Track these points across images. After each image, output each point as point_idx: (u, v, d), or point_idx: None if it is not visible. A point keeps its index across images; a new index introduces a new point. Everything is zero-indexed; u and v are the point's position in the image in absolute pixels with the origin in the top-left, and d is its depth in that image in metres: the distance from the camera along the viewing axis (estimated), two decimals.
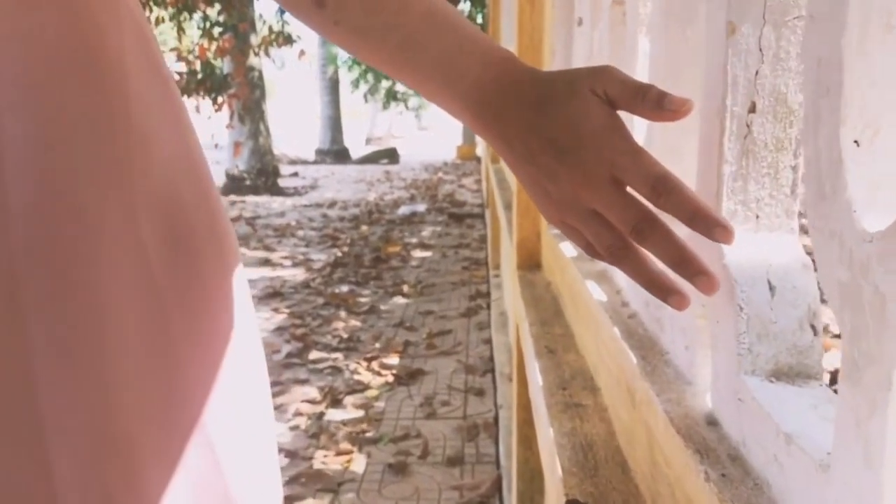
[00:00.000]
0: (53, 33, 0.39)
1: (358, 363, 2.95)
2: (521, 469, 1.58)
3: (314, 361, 3.00)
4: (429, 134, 25.00)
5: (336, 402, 2.59)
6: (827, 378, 0.48)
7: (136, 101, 0.42)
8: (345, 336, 3.32)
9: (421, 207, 7.36)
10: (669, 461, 0.52)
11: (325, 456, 2.22)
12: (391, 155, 13.86)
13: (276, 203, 7.95)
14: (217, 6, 7.32)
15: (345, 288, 4.20)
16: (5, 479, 0.36)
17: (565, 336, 1.02)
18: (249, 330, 0.49)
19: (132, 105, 0.42)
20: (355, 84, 16.55)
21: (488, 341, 3.21)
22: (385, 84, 16.51)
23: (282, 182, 9.38)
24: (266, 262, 4.92)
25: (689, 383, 0.57)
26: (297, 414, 2.51)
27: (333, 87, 13.84)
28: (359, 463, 2.17)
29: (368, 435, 2.34)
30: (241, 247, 3.95)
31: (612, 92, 0.44)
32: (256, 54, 7.96)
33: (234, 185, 8.63)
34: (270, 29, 7.63)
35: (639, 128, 0.76)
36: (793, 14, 0.47)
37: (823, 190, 0.36)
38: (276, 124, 21.74)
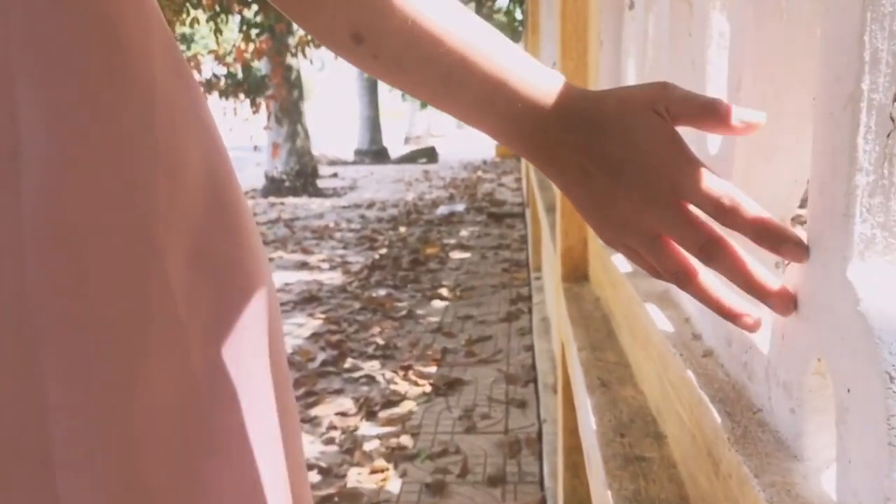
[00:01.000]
0: (78, 41, 0.38)
1: (394, 372, 2.84)
2: (567, 498, 1.45)
3: (349, 370, 2.90)
4: (468, 132, 24.87)
5: (371, 415, 2.49)
6: None
7: (162, 117, 0.41)
8: (381, 343, 3.22)
9: (460, 207, 7.24)
10: None
11: (360, 474, 2.11)
12: (430, 154, 13.77)
13: (315, 204, 7.91)
14: (254, 7, 7.30)
15: (382, 291, 4.11)
16: None
17: (620, 365, 0.89)
18: (277, 362, 0.49)
19: (158, 128, 0.41)
20: None
21: (530, 348, 3.07)
22: None
23: (321, 183, 9.35)
24: (303, 266, 4.85)
25: (798, 460, 0.43)
26: (332, 427, 2.42)
27: (371, 87, 13.80)
28: (394, 482, 2.06)
29: (405, 451, 2.23)
30: (278, 250, 3.88)
31: (676, 109, 0.43)
32: (293, 55, 7.92)
33: (274, 186, 8.62)
34: None
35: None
36: None
37: None
38: (316, 125, 21.85)
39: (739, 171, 0.55)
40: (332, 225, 6.48)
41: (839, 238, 0.37)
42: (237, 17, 7.29)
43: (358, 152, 13.99)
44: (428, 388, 2.68)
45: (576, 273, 1.31)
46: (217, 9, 6.73)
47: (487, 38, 0.46)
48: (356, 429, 2.39)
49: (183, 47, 9.51)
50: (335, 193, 8.82)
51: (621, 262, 0.99)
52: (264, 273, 0.49)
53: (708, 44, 0.64)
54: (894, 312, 0.34)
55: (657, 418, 0.74)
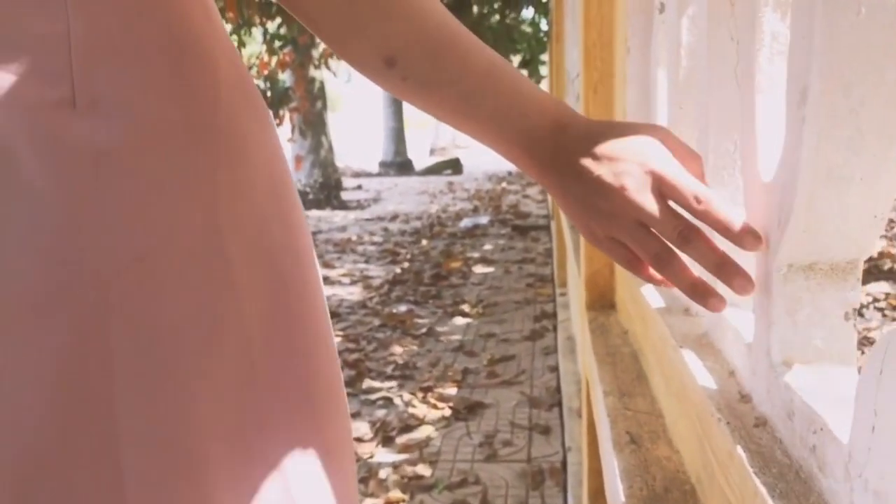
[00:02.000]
0: (155, 45, 0.43)
1: (413, 394, 2.74)
2: None
3: (366, 391, 2.81)
4: None
5: (388, 440, 2.39)
6: None
7: (226, 111, 0.46)
8: (400, 362, 3.12)
9: (484, 220, 7.14)
10: None
11: None
12: (454, 165, 13.69)
13: (339, 217, 7.86)
14: (278, 19, 7.29)
15: (403, 307, 4.01)
16: (77, 493, 0.39)
17: (652, 416, 0.78)
18: (330, 355, 0.52)
19: (221, 116, 0.45)
20: None
21: (555, 369, 2.95)
22: None
23: (345, 195, 9.31)
24: (324, 280, 4.75)
25: None
26: None
27: (396, 99, 13.74)
28: None
29: (422, 480, 2.13)
30: None
31: (668, 145, 0.51)
32: (317, 67, 7.90)
33: None
34: None
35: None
36: None
37: None
38: (342, 137, 21.91)
39: (803, 202, 0.45)
40: (354, 238, 6.41)
41: None
42: (260, 30, 7.29)
43: (383, 164, 13.96)
44: (447, 412, 2.57)
45: (602, 301, 1.20)
46: (240, 21, 6.73)
47: (503, 65, 0.52)
48: (371, 456, 2.30)
49: None
50: (359, 206, 8.77)
51: (652, 294, 0.89)
52: (313, 259, 0.53)
53: (758, 49, 0.53)
54: None
55: (697, 488, 0.63)
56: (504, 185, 10.72)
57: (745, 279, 0.48)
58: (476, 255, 5.50)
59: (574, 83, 3.29)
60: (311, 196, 8.59)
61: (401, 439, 2.39)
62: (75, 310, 0.39)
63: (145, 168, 0.41)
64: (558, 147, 0.52)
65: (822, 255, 0.47)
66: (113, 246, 0.40)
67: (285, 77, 7.94)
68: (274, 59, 7.32)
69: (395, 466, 2.21)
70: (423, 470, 2.18)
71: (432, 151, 19.11)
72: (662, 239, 0.49)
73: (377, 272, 4.98)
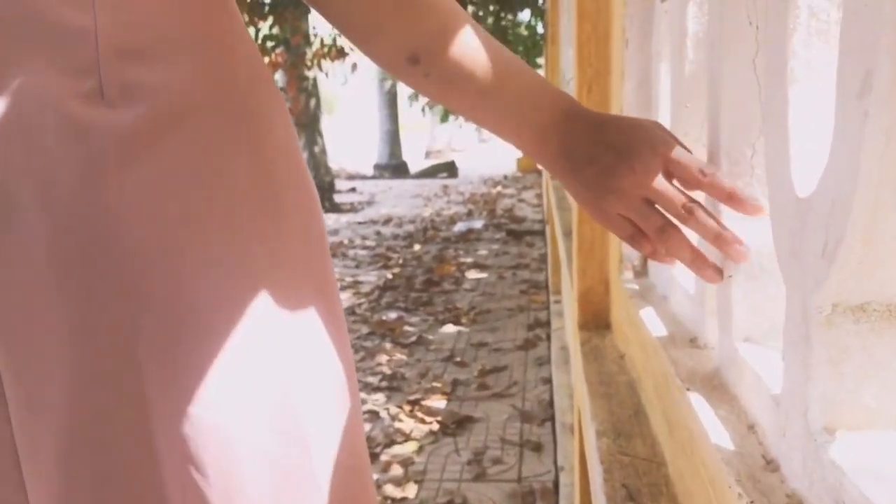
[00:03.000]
0: (178, 39, 0.45)
1: (400, 407, 2.63)
2: None
3: None
4: (489, 146, 24.68)
5: (372, 457, 2.27)
6: None
7: (246, 100, 0.48)
8: (388, 372, 3.01)
9: (478, 224, 7.03)
10: None
11: None
12: (450, 168, 13.58)
13: (331, 220, 7.73)
14: (270, 19, 7.18)
15: (393, 314, 3.90)
16: (115, 464, 0.41)
17: (652, 463, 0.67)
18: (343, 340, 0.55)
19: (242, 104, 0.48)
20: (413, 97, 16.39)
21: (548, 381, 2.84)
22: None
23: (338, 198, 9.19)
24: None
25: None
26: None
27: (391, 100, 13.67)
28: None
29: (405, 503, 2.01)
30: None
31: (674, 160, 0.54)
32: (309, 68, 7.79)
33: None
34: (322, 42, 7.44)
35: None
36: None
37: None
38: (338, 139, 21.78)
39: (859, 225, 0.34)
40: (345, 242, 6.30)
41: None
42: (252, 31, 7.18)
43: (377, 166, 13.84)
44: (435, 427, 2.46)
45: (595, 320, 1.10)
46: None
47: (513, 58, 0.55)
48: None
49: None
50: (352, 209, 8.65)
51: (652, 320, 0.78)
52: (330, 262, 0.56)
53: (791, 29, 0.43)
54: None
55: None
56: (499, 188, 10.61)
57: (741, 246, 0.51)
58: (469, 260, 5.39)
59: (570, 84, 3.19)
60: None
61: (385, 456, 2.27)
62: (99, 290, 0.41)
63: (165, 153, 0.42)
64: (569, 135, 0.55)
65: (878, 294, 0.37)
66: (134, 229, 0.41)
67: (278, 78, 7.83)
68: (266, 60, 7.20)
69: (379, 486, 2.10)
70: (408, 490, 2.06)
71: (428, 154, 19.00)
72: (666, 215, 0.53)
73: (368, 277, 4.87)
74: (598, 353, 0.99)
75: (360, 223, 7.45)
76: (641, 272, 0.96)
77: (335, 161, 14.24)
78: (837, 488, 0.35)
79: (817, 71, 0.41)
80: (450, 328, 3.64)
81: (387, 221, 7.50)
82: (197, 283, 0.43)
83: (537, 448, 2.31)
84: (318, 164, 8.67)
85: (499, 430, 2.44)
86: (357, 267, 5.26)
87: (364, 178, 13.26)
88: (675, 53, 0.77)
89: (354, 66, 7.61)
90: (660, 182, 0.52)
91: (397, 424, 2.50)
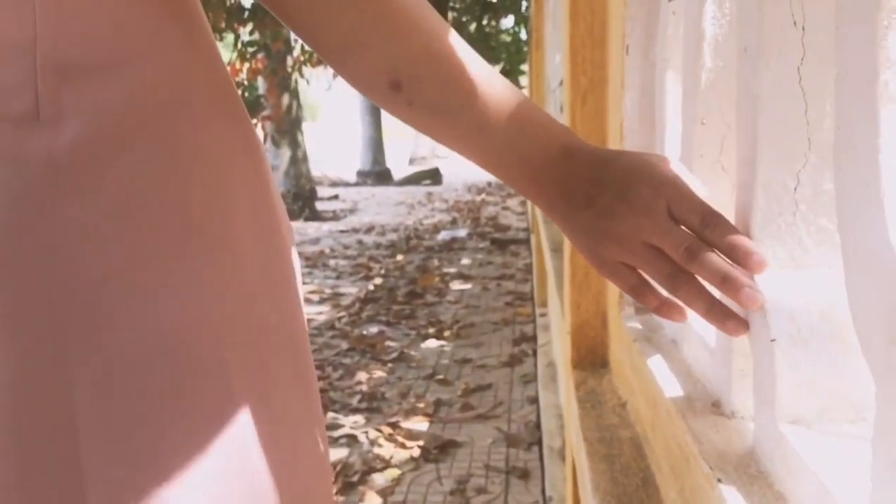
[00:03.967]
0: (125, 57, 0.40)
1: (379, 430, 2.50)
2: None
3: (329, 428, 2.56)
4: None
5: (349, 487, 2.14)
6: None
7: (199, 123, 0.43)
8: (367, 391, 2.88)
9: (462, 233, 6.92)
10: None
11: None
12: (434, 175, 13.48)
13: (312, 228, 7.60)
14: (249, 25, 7.04)
15: (374, 329, 3.77)
16: None
17: None
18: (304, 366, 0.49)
19: (193, 129, 0.43)
20: None
21: (534, 400, 2.73)
22: None
23: (320, 205, 9.05)
24: None
25: None
26: None
27: (375, 106, 13.54)
28: None
29: None
30: None
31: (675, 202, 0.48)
32: (290, 74, 7.66)
33: None
34: (303, 48, 7.31)
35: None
36: None
37: None
38: (321, 146, 21.61)
39: None
40: (327, 251, 6.16)
41: None
42: (231, 36, 7.04)
43: (360, 173, 13.72)
44: (416, 452, 2.34)
45: (591, 357, 0.98)
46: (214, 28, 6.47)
47: (509, 89, 0.50)
48: None
49: None
50: (334, 217, 8.52)
51: (663, 374, 0.66)
52: (295, 280, 0.51)
53: (885, 27, 0.31)
54: None
55: None
56: (483, 196, 10.51)
57: (752, 291, 0.45)
58: (453, 270, 5.28)
59: (556, 93, 3.09)
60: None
61: (363, 486, 2.15)
62: (27, 335, 0.37)
63: (107, 181, 0.38)
64: (566, 174, 0.51)
65: None
66: (69, 268, 0.37)
67: (258, 84, 7.68)
68: (245, 67, 7.06)
69: None
70: None
71: (412, 161, 18.89)
72: (674, 259, 0.47)
73: (349, 289, 4.73)
74: (595, 398, 0.87)
75: (342, 231, 7.31)
76: (644, 308, 0.85)
77: (318, 168, 14.08)
78: None
79: None
80: (432, 343, 3.52)
81: (369, 230, 7.37)
82: (139, 327, 0.38)
83: (524, 475, 2.19)
84: (299, 172, 8.53)
85: (483, 455, 2.32)
86: (338, 278, 5.12)
87: (347, 185, 13.13)
88: (689, 60, 0.65)
89: (336, 73, 7.48)
90: (660, 223, 0.47)
91: (376, 450, 2.37)
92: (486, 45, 9.90)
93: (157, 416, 0.39)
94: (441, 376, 3.03)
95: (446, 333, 3.64)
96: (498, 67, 11.13)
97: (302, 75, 7.50)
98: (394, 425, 2.53)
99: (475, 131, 0.50)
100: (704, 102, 0.63)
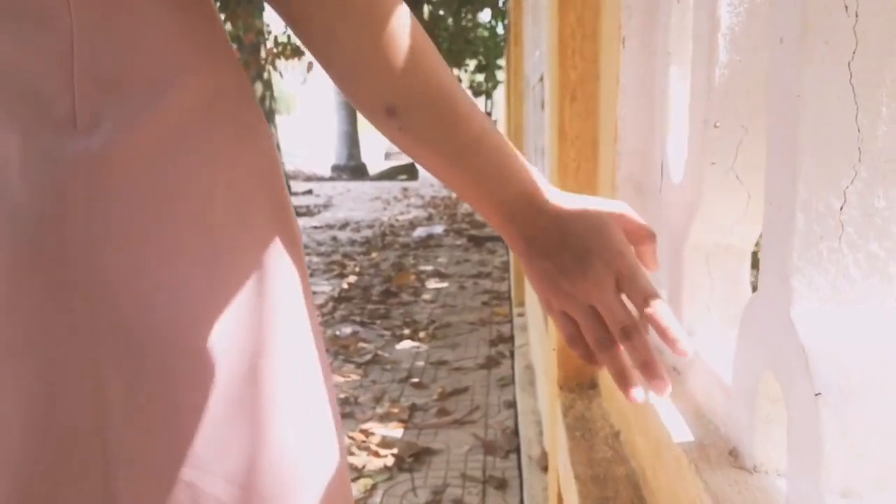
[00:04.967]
0: (157, 65, 0.43)
1: (352, 437, 2.41)
2: None
3: None
4: None
5: None
6: None
7: (224, 127, 0.46)
8: (341, 396, 2.78)
9: (438, 229, 6.84)
10: None
11: None
12: (409, 171, 13.38)
13: None
14: (221, 17, 6.88)
15: (347, 329, 3.68)
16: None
17: None
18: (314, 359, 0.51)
19: (220, 133, 0.46)
20: None
21: (512, 405, 2.66)
22: None
23: (294, 200, 8.86)
24: None
25: None
26: None
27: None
28: None
29: None
30: None
31: (628, 224, 0.56)
32: (263, 67, 7.50)
33: None
34: (276, 40, 7.16)
35: None
36: None
37: None
38: (296, 140, 21.35)
39: None
40: None
41: None
42: None
43: (335, 168, 13.58)
44: (390, 461, 2.25)
45: (579, 378, 0.90)
46: None
47: (489, 131, 0.54)
48: None
49: None
50: (308, 212, 8.39)
51: (662, 405, 0.59)
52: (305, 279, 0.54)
53: None
54: None
55: None
56: None
57: (664, 383, 0.50)
58: (429, 268, 5.19)
59: (535, 89, 3.01)
60: None
61: None
62: (60, 330, 0.39)
63: (137, 184, 0.41)
64: (530, 222, 0.55)
65: None
66: (101, 263, 0.39)
67: None
68: None
69: None
70: None
71: (388, 156, 18.75)
72: (606, 326, 0.53)
73: (322, 287, 4.63)
74: (585, 426, 0.79)
75: (315, 227, 7.19)
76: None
77: (292, 162, 13.88)
78: None
79: None
80: (408, 344, 3.43)
81: (344, 226, 7.26)
82: (171, 317, 0.41)
83: (501, 485, 2.11)
84: None
85: (460, 463, 2.24)
86: (311, 276, 5.01)
87: (321, 179, 12.98)
88: (700, 55, 0.57)
89: (311, 66, 7.34)
90: (607, 296, 0.52)
91: (349, 459, 2.28)
92: (463, 39, 9.80)
93: (182, 407, 0.41)
94: (416, 379, 2.94)
95: (422, 334, 3.56)
96: (474, 63, 11.04)
97: (275, 67, 7.35)
98: (367, 432, 2.44)
99: (452, 163, 0.53)
100: (719, 102, 0.55)
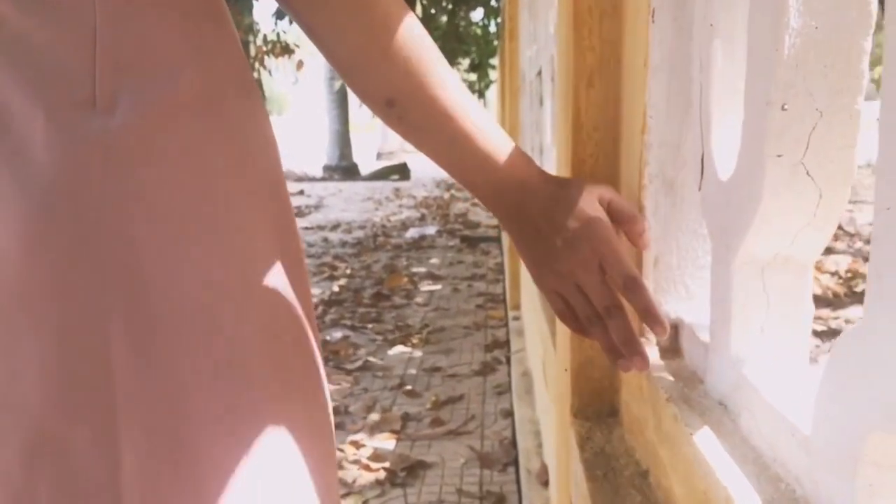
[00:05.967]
0: (174, 51, 0.46)
1: (342, 450, 2.30)
2: None
3: None
4: None
5: None
6: None
7: (233, 113, 0.49)
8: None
9: (431, 230, 6.73)
10: None
11: None
12: (402, 171, 13.26)
13: None
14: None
15: (338, 334, 3.56)
16: (77, 471, 0.42)
17: None
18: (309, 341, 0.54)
19: (229, 118, 0.49)
20: None
21: (509, 414, 2.55)
22: None
23: None
24: None
25: None
26: None
27: (341, 100, 13.26)
28: None
29: None
30: None
31: (614, 205, 0.61)
32: (252, 65, 7.37)
33: None
34: (265, 38, 7.02)
35: None
36: None
37: None
38: (287, 140, 21.19)
39: None
40: None
41: None
42: None
43: (327, 168, 13.44)
44: (382, 475, 2.14)
45: (596, 403, 0.79)
46: None
47: (482, 119, 0.58)
48: None
49: None
50: (299, 213, 8.25)
51: (711, 452, 0.48)
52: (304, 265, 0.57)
53: None
54: None
55: None
56: (452, 191, 10.32)
57: (643, 359, 0.57)
58: (422, 269, 5.08)
59: (532, 84, 2.90)
60: None
61: None
62: (72, 287, 0.41)
63: (151, 160, 0.43)
64: (522, 205, 0.60)
65: None
66: (115, 232, 0.42)
67: None
68: None
69: None
70: None
71: (379, 156, 18.62)
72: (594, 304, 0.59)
73: (312, 290, 4.50)
74: (606, 463, 0.68)
75: (306, 228, 7.06)
76: (672, 350, 0.67)
77: (283, 162, 13.75)
78: None
79: None
80: (400, 349, 3.32)
81: (335, 227, 7.14)
82: (170, 288, 0.43)
83: (499, 501, 2.01)
84: None
85: (455, 477, 2.13)
86: None
87: (313, 180, 12.84)
88: (761, 21, 0.47)
89: (301, 64, 7.21)
90: (592, 277, 0.58)
91: (339, 472, 2.17)
92: (455, 37, 9.70)
93: (185, 370, 0.43)
94: (409, 387, 2.83)
95: (415, 339, 3.45)
96: (467, 61, 10.94)
97: (264, 66, 7.22)
98: (357, 444, 2.33)
99: (447, 150, 0.58)
100: (786, 80, 0.44)
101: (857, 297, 3.34)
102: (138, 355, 0.42)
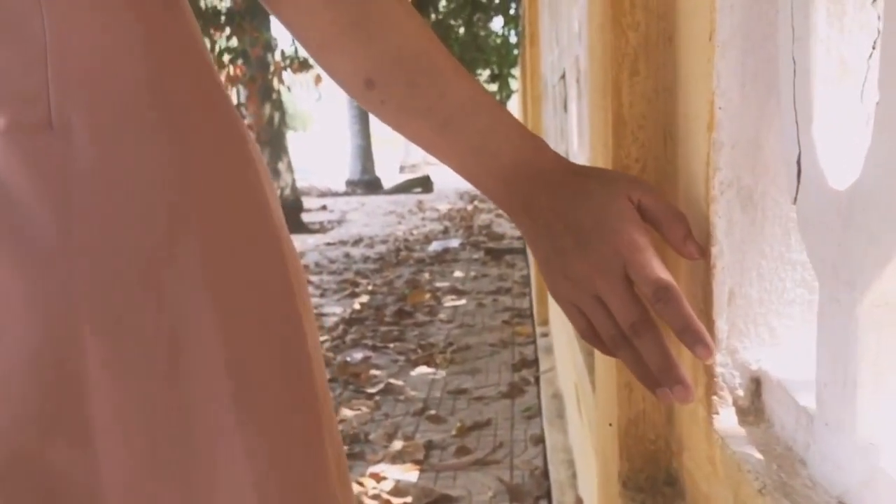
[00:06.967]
0: (131, 71, 0.45)
1: (360, 482, 2.15)
2: None
3: None
4: None
5: None
6: None
7: (200, 139, 0.47)
8: (349, 432, 2.53)
9: (454, 243, 6.59)
10: None
11: None
12: (424, 183, 13.15)
13: (298, 242, 7.24)
14: (227, 30, 6.71)
15: (358, 355, 3.42)
16: (55, 477, 0.41)
17: None
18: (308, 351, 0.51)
19: (198, 146, 0.47)
20: None
21: (539, 440, 2.39)
22: None
23: (307, 217, 8.69)
24: None
25: None
26: None
27: (363, 115, 13.21)
28: None
29: None
30: None
31: (647, 203, 0.49)
32: (270, 82, 7.31)
33: None
34: (283, 53, 6.96)
35: None
36: None
37: None
38: (311, 156, 21.24)
39: None
40: (312, 266, 5.81)
41: None
42: (207, 42, 6.70)
43: (350, 183, 13.39)
44: None
45: (650, 469, 0.64)
46: None
47: (482, 97, 0.52)
48: None
49: None
50: (321, 229, 8.17)
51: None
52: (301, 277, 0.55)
53: None
54: None
55: None
56: (476, 203, 10.18)
57: (685, 389, 0.45)
58: (445, 284, 4.93)
59: (555, 89, 2.76)
60: None
61: None
62: (51, 318, 0.41)
63: (121, 194, 0.42)
64: (532, 194, 0.51)
65: None
66: (98, 263, 0.41)
67: (238, 93, 7.34)
68: (223, 74, 6.73)
69: None
70: None
71: (402, 169, 18.57)
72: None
73: (333, 308, 4.38)
74: None
75: (328, 244, 6.96)
76: (754, 412, 0.51)
77: (306, 178, 13.73)
78: None
79: None
80: (423, 370, 3.17)
81: (357, 242, 7.03)
82: (144, 305, 0.43)
83: None
84: (284, 183, 8.18)
85: None
86: (322, 296, 4.77)
87: (336, 194, 12.79)
88: None
89: (319, 79, 7.13)
90: (614, 286, 0.47)
91: None
92: (475, 47, 9.59)
93: (158, 374, 0.42)
94: (433, 411, 2.68)
95: (438, 359, 3.30)
96: (486, 72, 10.82)
97: (282, 81, 7.16)
98: (378, 476, 2.18)
99: (440, 135, 0.52)
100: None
101: None
102: (114, 374, 0.41)
